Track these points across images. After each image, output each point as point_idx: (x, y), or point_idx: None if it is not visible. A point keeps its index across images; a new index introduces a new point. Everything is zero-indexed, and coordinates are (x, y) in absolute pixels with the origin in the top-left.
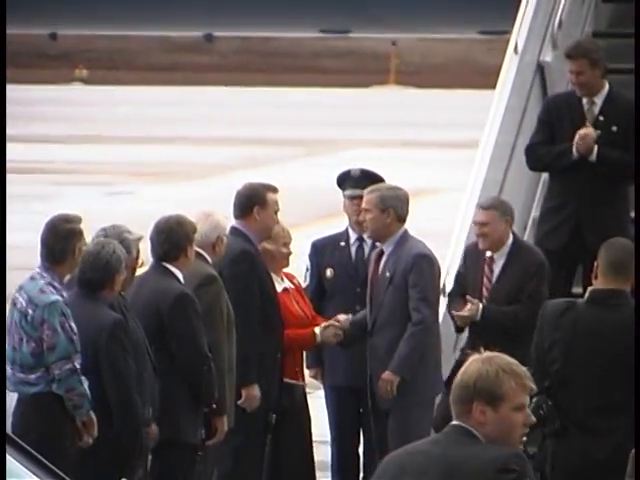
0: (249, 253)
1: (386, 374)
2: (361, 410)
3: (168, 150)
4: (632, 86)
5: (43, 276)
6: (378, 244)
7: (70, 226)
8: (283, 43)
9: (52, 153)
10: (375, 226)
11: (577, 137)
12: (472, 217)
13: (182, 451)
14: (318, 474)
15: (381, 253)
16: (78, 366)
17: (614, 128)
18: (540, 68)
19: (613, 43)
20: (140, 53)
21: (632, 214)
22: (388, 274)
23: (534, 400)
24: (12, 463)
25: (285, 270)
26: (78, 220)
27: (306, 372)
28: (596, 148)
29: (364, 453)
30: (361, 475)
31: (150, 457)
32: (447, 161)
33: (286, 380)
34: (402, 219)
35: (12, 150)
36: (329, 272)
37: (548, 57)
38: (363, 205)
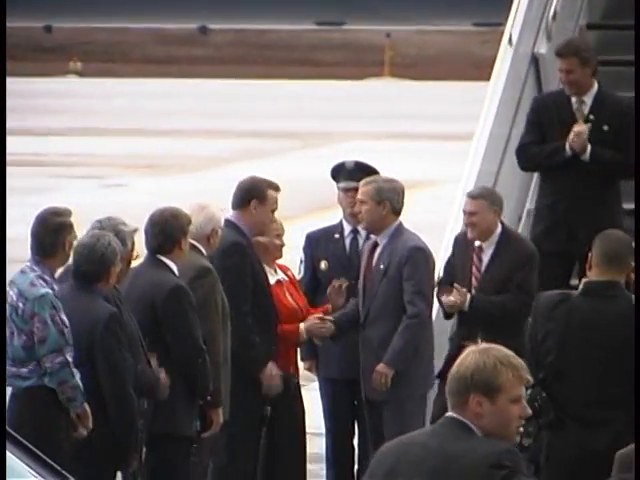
0: (240, 245)
1: (380, 366)
2: (356, 402)
3: (163, 143)
4: (627, 79)
5: (33, 269)
6: (372, 236)
7: (60, 219)
8: (278, 35)
9: (47, 146)
10: (370, 218)
11: (572, 134)
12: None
13: (177, 443)
14: (313, 466)
15: (375, 245)
16: (70, 359)
17: (605, 127)
18: (534, 60)
19: (607, 35)
20: (135, 46)
21: (625, 205)
22: (382, 266)
23: (529, 392)
24: (9, 458)
25: (279, 262)
26: (68, 213)
27: (300, 364)
28: (589, 147)
29: (359, 445)
30: (356, 466)
31: (145, 449)
32: (442, 153)
33: (280, 372)
34: (397, 212)
35: (7, 143)
36: (323, 264)
37: (542, 49)
38: (359, 196)
